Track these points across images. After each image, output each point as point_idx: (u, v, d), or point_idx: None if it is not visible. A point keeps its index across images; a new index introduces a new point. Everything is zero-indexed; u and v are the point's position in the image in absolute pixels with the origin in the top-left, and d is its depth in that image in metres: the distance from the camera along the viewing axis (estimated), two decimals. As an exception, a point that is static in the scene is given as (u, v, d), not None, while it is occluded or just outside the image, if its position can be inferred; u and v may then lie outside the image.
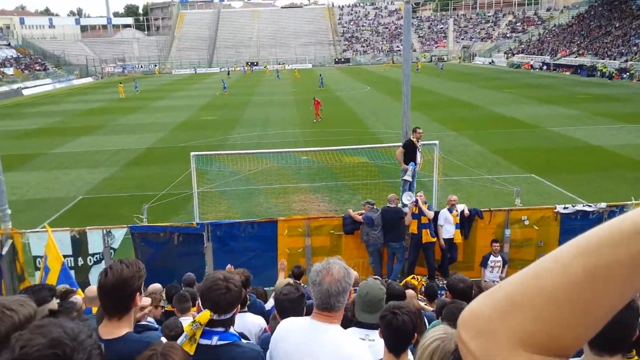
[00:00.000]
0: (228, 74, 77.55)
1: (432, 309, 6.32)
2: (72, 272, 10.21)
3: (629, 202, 11.00)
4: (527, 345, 0.77)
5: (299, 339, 3.08)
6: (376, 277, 7.69)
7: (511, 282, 0.81)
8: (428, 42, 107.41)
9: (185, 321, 5.56)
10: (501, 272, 10.02)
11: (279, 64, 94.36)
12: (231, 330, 3.15)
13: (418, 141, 12.58)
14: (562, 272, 0.76)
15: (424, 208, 10.90)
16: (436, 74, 68.12)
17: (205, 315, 3.01)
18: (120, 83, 59.32)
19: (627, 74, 54.81)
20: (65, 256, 10.36)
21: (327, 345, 2.99)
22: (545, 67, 71.08)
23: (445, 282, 10.14)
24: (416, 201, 10.99)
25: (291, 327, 3.21)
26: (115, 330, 2.91)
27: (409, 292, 6.27)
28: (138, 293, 2.98)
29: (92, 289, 5.74)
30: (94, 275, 10.33)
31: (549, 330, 0.76)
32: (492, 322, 0.79)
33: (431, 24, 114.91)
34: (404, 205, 11.36)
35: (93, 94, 55.74)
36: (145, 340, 3.10)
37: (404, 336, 3.23)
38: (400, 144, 12.86)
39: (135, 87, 57.99)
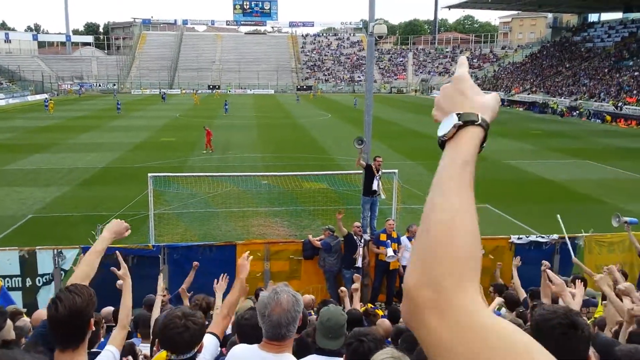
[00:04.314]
0: (163, 97, 75.16)
1: None
2: (19, 293, 9.82)
3: (579, 235, 11.39)
4: (466, 277, 0.90)
5: None
6: (331, 300, 7.68)
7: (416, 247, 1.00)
8: (388, 74, 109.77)
9: (145, 347, 5.38)
10: None
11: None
12: None
13: (377, 170, 12.76)
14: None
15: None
16: (351, 107, 64.01)
17: (162, 356, 2.88)
18: (51, 100, 60.03)
19: (577, 112, 57.31)
20: (12, 276, 9.97)
21: None
22: (500, 103, 73.56)
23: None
24: (393, 256, 11.08)
25: (240, 354, 3.13)
26: None
27: (385, 321, 6.25)
28: (92, 319, 2.86)
29: (41, 314, 5.45)
30: (42, 297, 9.95)
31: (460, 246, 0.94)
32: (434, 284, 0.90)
33: (391, 56, 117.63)
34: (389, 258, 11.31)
35: (48, 111, 54.32)
36: None
37: None
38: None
39: (45, 104, 57.55)
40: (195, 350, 2.99)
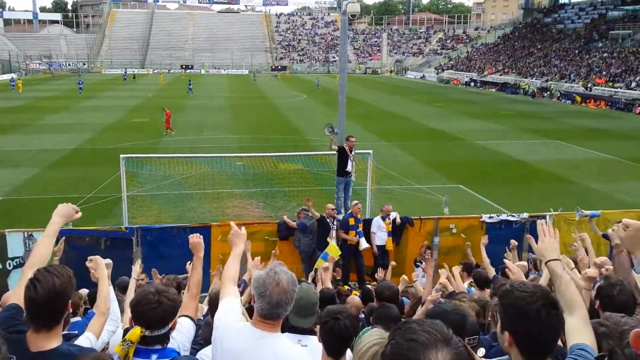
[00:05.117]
0: (134, 77, 73.40)
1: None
2: (-10, 277, 9.66)
3: (547, 213, 11.65)
4: None
5: (245, 343, 2.97)
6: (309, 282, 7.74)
7: None
8: (363, 55, 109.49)
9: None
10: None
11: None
12: (169, 345, 3.03)
13: (351, 150, 12.80)
14: None
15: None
16: (313, 89, 62.67)
17: (136, 332, 2.84)
18: (19, 79, 59.77)
19: (548, 92, 58.11)
20: (-19, 260, 9.79)
21: (273, 355, 2.93)
22: (472, 84, 74.13)
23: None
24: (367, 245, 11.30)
25: (233, 329, 3.06)
26: (44, 342, 2.71)
27: (354, 298, 6.33)
28: (69, 301, 2.84)
29: (8, 297, 5.36)
30: (12, 280, 9.79)
31: None
32: None
33: (366, 37, 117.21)
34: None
35: (16, 91, 52.88)
36: (77, 354, 2.94)
37: (345, 341, 3.18)
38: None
39: (12, 83, 56.57)
40: (169, 326, 2.97)
